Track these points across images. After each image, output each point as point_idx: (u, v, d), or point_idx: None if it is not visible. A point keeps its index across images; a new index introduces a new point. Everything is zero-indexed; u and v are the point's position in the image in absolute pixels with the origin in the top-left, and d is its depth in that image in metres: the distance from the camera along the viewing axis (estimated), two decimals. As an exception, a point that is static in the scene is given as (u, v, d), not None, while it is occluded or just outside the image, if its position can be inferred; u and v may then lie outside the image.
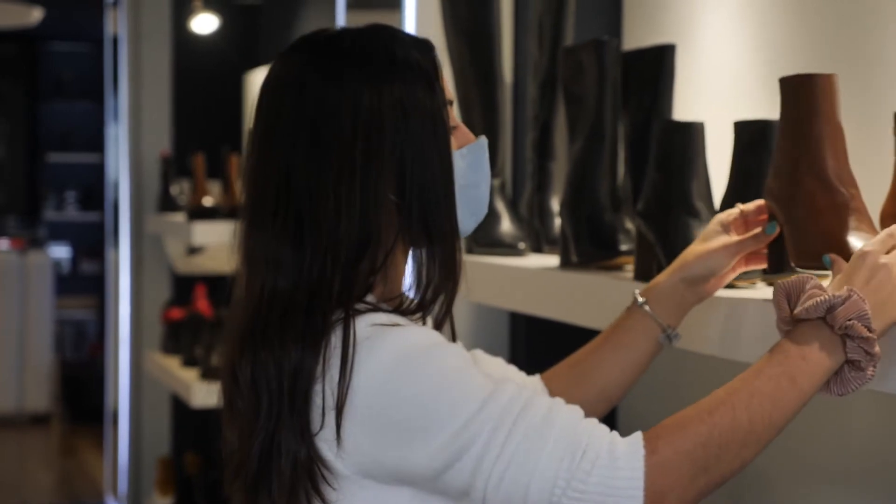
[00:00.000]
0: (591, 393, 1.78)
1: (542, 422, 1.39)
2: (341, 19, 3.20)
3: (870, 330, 1.40)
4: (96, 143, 9.31)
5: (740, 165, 1.97)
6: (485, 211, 1.61)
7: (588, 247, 2.17)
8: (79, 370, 9.00)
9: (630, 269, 2.10)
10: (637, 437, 1.39)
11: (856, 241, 1.52)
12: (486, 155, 1.61)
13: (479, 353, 1.81)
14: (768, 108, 2.13)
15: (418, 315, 1.53)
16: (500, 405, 1.39)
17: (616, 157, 2.21)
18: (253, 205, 1.52)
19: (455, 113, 1.60)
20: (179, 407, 5.28)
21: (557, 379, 1.82)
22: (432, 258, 1.52)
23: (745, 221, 1.73)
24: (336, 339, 1.43)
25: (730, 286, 1.81)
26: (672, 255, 1.88)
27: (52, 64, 10.60)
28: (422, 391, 1.39)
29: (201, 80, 5.82)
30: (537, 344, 2.75)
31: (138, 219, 5.66)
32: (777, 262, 1.69)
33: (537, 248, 2.53)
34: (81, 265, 10.45)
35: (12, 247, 9.40)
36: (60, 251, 10.39)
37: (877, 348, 1.40)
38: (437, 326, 1.55)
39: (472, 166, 1.58)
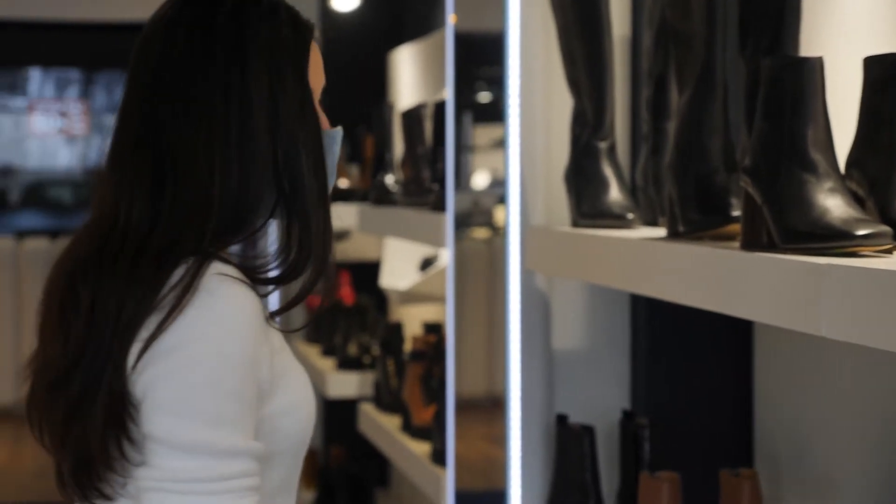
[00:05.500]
0: None
1: None
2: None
3: None
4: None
5: (869, 108, 1.65)
6: None
7: (696, 213, 1.86)
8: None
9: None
10: None
11: None
12: (337, 147, 1.61)
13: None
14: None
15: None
16: (229, 468, 1.42)
17: (728, 110, 1.90)
18: (116, 136, 1.54)
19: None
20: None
21: None
22: (297, 233, 1.52)
23: None
24: (177, 278, 1.44)
25: (850, 254, 1.48)
26: (781, 217, 1.56)
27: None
28: (204, 380, 1.42)
29: (346, 60, 5.66)
30: (660, 324, 2.47)
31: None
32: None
33: (652, 221, 2.23)
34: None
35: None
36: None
37: None
38: (292, 303, 1.54)
39: None
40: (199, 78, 1.49)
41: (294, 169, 1.51)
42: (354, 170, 4.74)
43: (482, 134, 5.20)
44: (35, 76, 10.65)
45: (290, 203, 1.51)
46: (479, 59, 4.04)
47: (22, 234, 9.11)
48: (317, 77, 1.58)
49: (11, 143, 10.72)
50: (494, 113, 2.52)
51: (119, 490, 1.46)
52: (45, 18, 8.71)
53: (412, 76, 5.00)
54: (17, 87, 10.66)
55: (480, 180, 5.38)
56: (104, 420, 1.43)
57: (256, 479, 1.44)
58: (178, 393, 1.42)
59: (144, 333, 1.43)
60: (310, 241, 1.51)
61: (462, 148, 4.98)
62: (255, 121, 1.49)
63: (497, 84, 2.57)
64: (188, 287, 1.42)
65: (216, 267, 1.45)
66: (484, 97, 4.95)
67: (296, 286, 1.55)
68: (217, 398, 1.42)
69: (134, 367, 1.43)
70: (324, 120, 1.59)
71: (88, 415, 1.44)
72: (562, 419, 2.41)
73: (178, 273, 1.44)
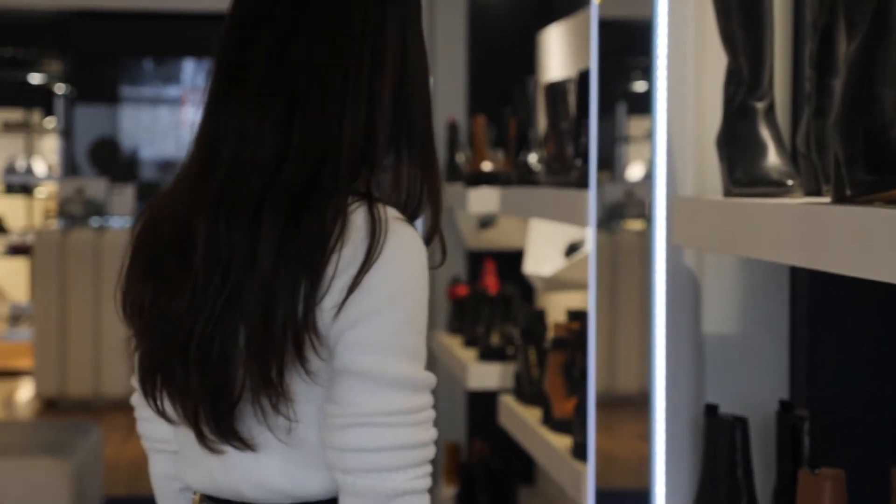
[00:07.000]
0: None
1: (414, 453, 1.53)
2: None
3: None
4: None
5: None
6: None
7: (865, 174, 1.64)
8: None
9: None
10: None
11: None
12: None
13: None
14: None
15: None
16: (422, 400, 1.54)
17: (906, 56, 1.68)
18: (230, 73, 1.61)
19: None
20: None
21: None
22: (417, 168, 1.63)
23: None
24: (361, 220, 1.52)
25: None
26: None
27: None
28: (407, 317, 1.53)
29: (494, 41, 5.56)
30: (823, 302, 2.29)
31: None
32: None
33: (815, 191, 2.02)
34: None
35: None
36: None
37: None
38: (427, 241, 1.63)
39: None
40: (339, 22, 1.58)
41: (412, 112, 1.62)
42: (500, 155, 4.61)
43: (637, 125, 5.05)
44: (188, 67, 10.79)
45: (408, 144, 1.62)
46: (634, 49, 3.87)
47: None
48: None
49: (167, 132, 10.89)
50: (649, 104, 2.37)
51: (282, 437, 1.55)
52: (198, 10, 8.79)
53: (561, 57, 4.84)
54: (171, 78, 10.82)
55: (635, 171, 5.21)
56: (282, 352, 1.50)
57: (433, 410, 1.57)
58: (383, 331, 1.51)
59: (335, 273, 1.50)
60: (427, 179, 1.63)
61: (616, 139, 4.85)
62: (387, 66, 1.59)
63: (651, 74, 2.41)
64: (376, 231, 1.51)
65: (391, 211, 1.55)
66: (639, 87, 4.78)
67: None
68: (414, 334, 1.53)
69: (339, 307, 1.50)
70: None
71: (267, 349, 1.50)
72: (711, 410, 2.22)
73: (354, 215, 1.52)
